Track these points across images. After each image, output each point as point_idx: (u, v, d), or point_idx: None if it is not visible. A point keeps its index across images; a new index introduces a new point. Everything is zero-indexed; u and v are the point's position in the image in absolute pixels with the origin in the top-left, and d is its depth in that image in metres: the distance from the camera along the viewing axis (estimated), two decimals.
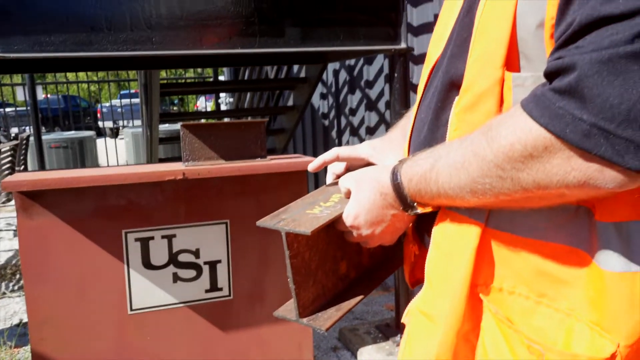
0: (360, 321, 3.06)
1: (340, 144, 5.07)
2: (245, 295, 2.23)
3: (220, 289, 2.18)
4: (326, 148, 5.41)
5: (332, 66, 5.00)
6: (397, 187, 0.81)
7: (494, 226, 0.74)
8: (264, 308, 2.26)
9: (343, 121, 4.96)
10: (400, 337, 2.63)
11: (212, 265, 2.16)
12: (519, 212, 0.72)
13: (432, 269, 0.80)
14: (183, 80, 9.86)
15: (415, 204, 0.81)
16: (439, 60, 0.84)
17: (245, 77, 5.15)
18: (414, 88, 3.64)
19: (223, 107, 8.75)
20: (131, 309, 2.06)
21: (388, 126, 4.06)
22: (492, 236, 0.74)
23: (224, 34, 2.15)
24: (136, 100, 12.36)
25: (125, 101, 12.76)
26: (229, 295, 2.21)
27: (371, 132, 4.37)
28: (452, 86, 0.77)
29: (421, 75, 0.93)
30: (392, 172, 0.82)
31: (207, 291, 2.16)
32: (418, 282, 1.02)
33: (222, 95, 9.44)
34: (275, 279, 2.26)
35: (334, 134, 5.20)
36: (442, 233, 0.79)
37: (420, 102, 0.91)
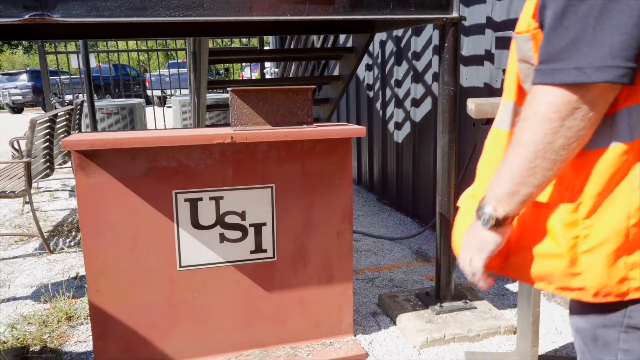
0: (400, 289, 3.09)
1: (384, 116, 5.04)
2: (289, 257, 2.30)
3: (265, 251, 2.26)
4: (370, 119, 5.39)
5: (378, 37, 4.93)
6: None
7: None
8: (307, 270, 2.33)
9: (388, 93, 4.92)
10: (440, 307, 2.66)
11: (258, 227, 2.23)
12: None
13: (480, 165, 1.14)
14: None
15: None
16: None
17: (292, 47, 5.16)
18: (463, 60, 3.56)
19: (267, 77, 8.80)
20: (180, 266, 2.17)
21: (434, 98, 4.00)
22: None
23: (274, 1, 2.17)
24: (184, 70, 12.58)
25: (173, 71, 13.00)
26: (273, 256, 2.28)
27: (416, 104, 4.32)
28: None
29: None
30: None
31: (252, 252, 2.24)
32: None
33: (267, 65, 9.47)
34: (317, 243, 2.31)
35: (378, 105, 5.17)
36: (487, 141, 1.14)
37: None
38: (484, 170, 1.13)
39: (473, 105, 1.76)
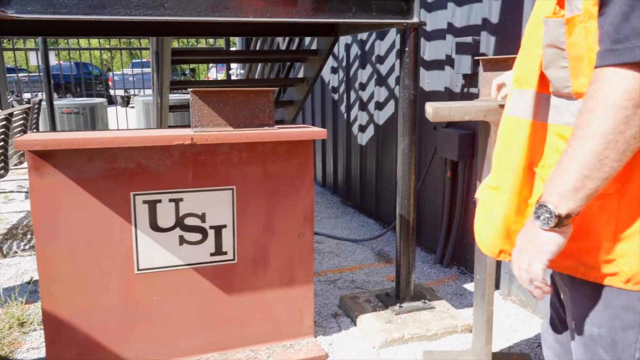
0: (361, 290, 3.12)
1: (349, 119, 5.08)
2: (250, 259, 2.29)
3: (225, 253, 2.24)
4: (335, 122, 5.42)
5: (344, 40, 4.97)
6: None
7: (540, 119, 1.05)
8: (267, 273, 2.32)
9: (352, 95, 4.96)
10: (400, 307, 2.70)
11: (218, 229, 2.22)
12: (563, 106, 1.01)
13: (497, 156, 1.13)
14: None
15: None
16: None
17: (257, 49, 5.15)
18: (425, 64, 3.63)
19: (234, 79, 8.73)
20: (138, 269, 2.13)
21: (397, 101, 4.06)
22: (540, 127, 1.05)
23: (236, 1, 2.16)
24: (148, 70, 12.35)
25: (137, 70, 12.77)
26: (234, 259, 2.27)
27: (380, 107, 4.37)
28: None
29: None
30: None
31: (212, 254, 2.22)
32: None
33: (233, 67, 9.40)
34: (278, 245, 2.32)
35: (343, 107, 5.21)
36: (502, 130, 1.13)
37: None
38: (501, 161, 1.11)
39: (431, 109, 1.80)
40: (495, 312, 2.45)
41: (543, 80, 1.03)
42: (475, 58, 2.17)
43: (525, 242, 0.98)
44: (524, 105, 1.05)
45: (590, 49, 0.91)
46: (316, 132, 2.22)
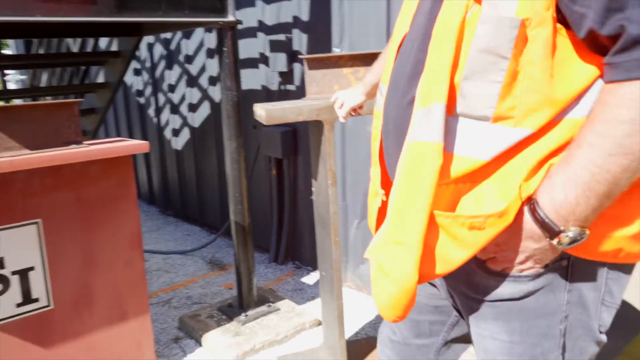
0: (200, 305, 2.94)
1: (159, 123, 4.75)
2: (69, 301, 1.95)
3: (37, 300, 1.87)
4: (144, 127, 5.02)
5: (146, 40, 4.60)
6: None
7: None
8: (93, 312, 2.01)
9: (162, 98, 4.65)
10: (245, 316, 2.59)
11: (23, 273, 1.83)
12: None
13: (397, 200, 0.87)
14: None
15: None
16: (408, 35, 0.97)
17: (42, 52, 4.46)
18: (242, 63, 3.54)
19: (12, 87, 7.52)
20: None
21: (213, 102, 3.91)
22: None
23: None
24: None
25: None
26: (49, 304, 1.91)
27: (194, 109, 4.16)
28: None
29: (389, 49, 1.04)
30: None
31: (19, 305, 1.83)
32: None
33: (9, 73, 8.12)
34: (103, 278, 2.01)
35: (151, 111, 4.85)
36: (404, 165, 0.86)
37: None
38: (403, 205, 0.85)
39: (263, 112, 1.71)
40: None
41: (453, 92, 0.82)
42: (300, 57, 2.15)
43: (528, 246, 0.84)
44: (432, 126, 0.81)
45: (531, 63, 0.77)
46: (136, 145, 1.97)
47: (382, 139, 1.04)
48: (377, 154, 1.09)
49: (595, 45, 0.76)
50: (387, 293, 0.89)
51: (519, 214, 0.82)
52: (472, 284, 0.94)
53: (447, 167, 0.82)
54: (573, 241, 0.79)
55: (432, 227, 0.83)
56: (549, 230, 0.79)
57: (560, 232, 0.78)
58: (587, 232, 0.79)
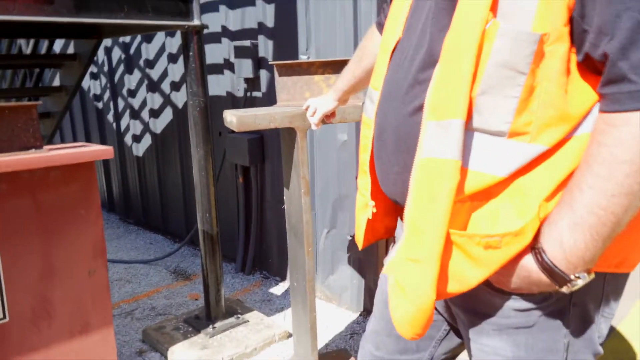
0: (165, 317, 2.85)
1: (119, 129, 4.62)
2: (27, 315, 1.85)
3: None
4: (102, 133, 4.87)
5: (103, 43, 4.47)
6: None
7: None
8: (53, 326, 1.91)
9: (121, 103, 4.52)
10: (213, 328, 2.53)
11: None
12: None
13: (413, 218, 0.85)
14: None
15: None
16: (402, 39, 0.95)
17: None
18: (208, 68, 3.48)
19: None
20: None
21: (175, 108, 3.82)
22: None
23: None
24: None
25: None
26: (4, 317, 1.80)
27: (156, 114, 4.06)
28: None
29: (381, 54, 1.02)
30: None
31: None
32: (369, 242, 1.16)
33: None
34: (64, 289, 1.92)
35: (110, 117, 4.70)
36: (419, 182, 0.84)
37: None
38: (419, 223, 0.83)
39: (235, 118, 1.67)
40: None
41: (472, 107, 0.80)
42: (270, 63, 2.12)
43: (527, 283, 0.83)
44: (449, 142, 0.78)
45: (548, 79, 0.76)
46: (99, 151, 1.89)
47: (374, 148, 1.01)
48: (366, 163, 1.05)
49: (591, 67, 0.77)
50: (404, 310, 0.87)
51: (520, 258, 0.81)
52: (476, 298, 0.92)
53: (462, 183, 0.80)
54: (584, 283, 0.78)
55: (447, 245, 0.82)
56: (558, 280, 0.78)
57: (569, 280, 0.77)
58: (593, 275, 0.78)
